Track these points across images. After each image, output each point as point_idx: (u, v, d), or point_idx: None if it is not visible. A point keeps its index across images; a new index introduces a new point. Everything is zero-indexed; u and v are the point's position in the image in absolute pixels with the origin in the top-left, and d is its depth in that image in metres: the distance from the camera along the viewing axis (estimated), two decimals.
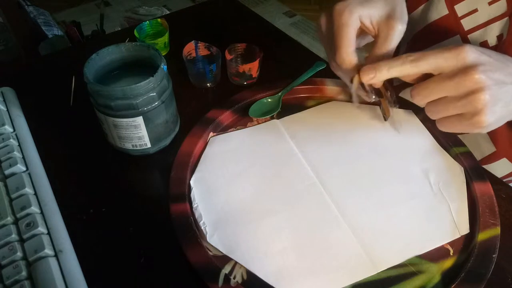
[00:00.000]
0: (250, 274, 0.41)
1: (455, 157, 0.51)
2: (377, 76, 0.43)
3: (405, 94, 0.70)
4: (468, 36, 0.57)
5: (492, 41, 0.55)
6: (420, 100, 0.42)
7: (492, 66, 0.39)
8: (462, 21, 0.57)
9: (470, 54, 0.39)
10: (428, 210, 0.46)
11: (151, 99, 0.48)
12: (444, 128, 0.43)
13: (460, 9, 0.56)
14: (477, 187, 0.47)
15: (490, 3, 0.53)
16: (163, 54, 0.56)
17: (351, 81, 0.47)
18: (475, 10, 0.55)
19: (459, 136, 0.53)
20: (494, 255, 0.41)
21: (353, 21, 0.45)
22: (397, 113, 0.56)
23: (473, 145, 0.61)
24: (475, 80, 0.38)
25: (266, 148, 0.53)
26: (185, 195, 0.47)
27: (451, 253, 0.43)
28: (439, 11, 0.58)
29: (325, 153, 0.52)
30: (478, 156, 0.63)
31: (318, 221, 0.45)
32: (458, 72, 0.39)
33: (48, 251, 0.41)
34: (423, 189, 0.48)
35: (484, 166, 0.53)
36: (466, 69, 0.39)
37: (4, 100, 0.58)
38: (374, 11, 0.46)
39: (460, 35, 0.58)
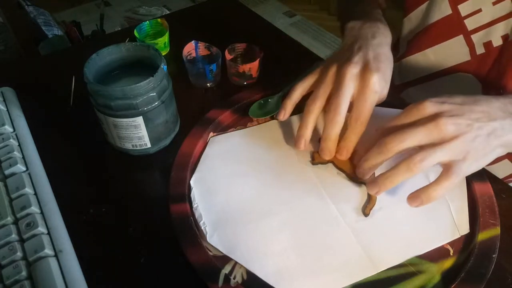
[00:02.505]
0: (250, 274, 0.41)
1: None
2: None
3: (405, 95, 0.70)
4: (471, 36, 0.57)
5: (497, 41, 0.55)
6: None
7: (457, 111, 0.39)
8: (465, 21, 0.56)
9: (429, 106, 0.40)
10: (428, 210, 0.46)
11: (151, 99, 0.48)
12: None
13: (463, 9, 0.56)
14: (477, 187, 0.47)
15: (494, 3, 0.53)
16: (163, 54, 0.56)
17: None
18: (479, 10, 0.54)
19: None
20: (494, 255, 0.41)
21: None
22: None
23: None
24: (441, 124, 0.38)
25: (266, 148, 0.53)
26: (185, 195, 0.47)
27: (451, 253, 0.43)
28: (442, 10, 0.58)
29: None
30: None
31: (318, 221, 0.45)
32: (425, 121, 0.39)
33: (48, 251, 0.41)
34: None
35: (486, 167, 0.52)
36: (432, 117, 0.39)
37: (4, 100, 0.58)
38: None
39: (463, 35, 0.57)
